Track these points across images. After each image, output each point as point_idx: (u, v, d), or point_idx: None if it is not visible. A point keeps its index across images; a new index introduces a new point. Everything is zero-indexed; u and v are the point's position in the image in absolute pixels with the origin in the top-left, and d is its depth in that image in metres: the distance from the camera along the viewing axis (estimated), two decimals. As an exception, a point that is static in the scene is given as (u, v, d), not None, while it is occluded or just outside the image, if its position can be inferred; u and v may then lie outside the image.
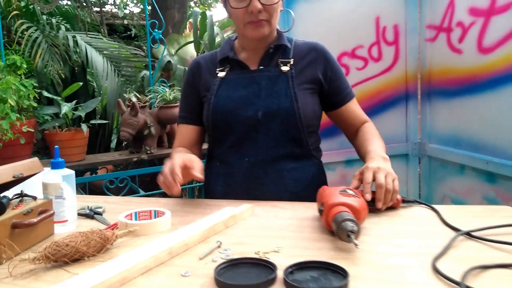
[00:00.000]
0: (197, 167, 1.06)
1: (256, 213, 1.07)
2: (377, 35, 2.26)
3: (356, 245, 0.76)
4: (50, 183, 0.97)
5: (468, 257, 0.75)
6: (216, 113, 1.26)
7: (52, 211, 0.92)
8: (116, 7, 6.60)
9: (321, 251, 0.81)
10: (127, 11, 6.69)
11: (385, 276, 0.70)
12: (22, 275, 0.74)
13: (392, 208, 1.06)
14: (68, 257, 0.77)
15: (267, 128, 1.23)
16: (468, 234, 0.84)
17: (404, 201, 1.09)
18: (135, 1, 6.81)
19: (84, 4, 4.93)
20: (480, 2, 1.90)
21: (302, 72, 1.28)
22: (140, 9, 6.67)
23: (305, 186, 1.26)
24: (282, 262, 0.74)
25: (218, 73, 1.30)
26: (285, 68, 1.26)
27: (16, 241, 0.81)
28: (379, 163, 1.08)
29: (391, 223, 0.97)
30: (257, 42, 1.28)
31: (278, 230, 0.94)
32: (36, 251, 0.76)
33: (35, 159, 0.95)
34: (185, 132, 1.36)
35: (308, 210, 1.07)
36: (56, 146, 1.02)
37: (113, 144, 3.31)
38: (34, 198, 0.94)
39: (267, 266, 0.72)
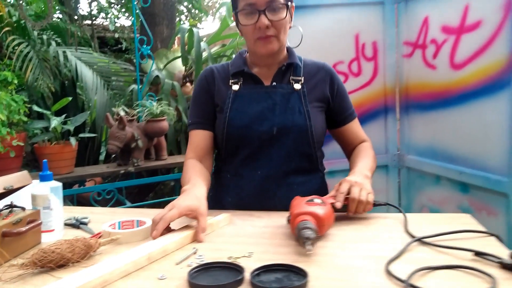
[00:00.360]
0: (201, 225, 1.02)
1: (234, 222, 1.14)
2: (357, 51, 2.36)
3: (309, 250, 0.83)
4: (38, 195, 1.03)
5: (419, 260, 0.83)
6: (231, 127, 1.29)
7: (40, 221, 0.98)
8: (107, 20, 6.68)
9: (287, 255, 0.88)
10: (118, 25, 6.77)
11: (341, 276, 0.78)
12: (12, 280, 0.80)
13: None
14: (54, 263, 0.84)
15: (281, 143, 1.28)
16: (421, 240, 0.92)
17: (375, 204, 1.14)
18: (126, 14, 6.90)
19: (75, 18, 5.00)
20: (452, 20, 2.01)
21: (312, 90, 1.33)
22: (131, 22, 6.76)
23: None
24: (251, 266, 0.81)
25: (232, 85, 1.33)
26: (297, 86, 1.32)
27: (5, 249, 0.88)
28: (358, 178, 1.17)
29: (357, 229, 1.04)
30: (268, 58, 1.32)
31: (251, 237, 1.02)
32: (24, 258, 0.83)
33: (25, 172, 1.02)
34: (198, 138, 1.34)
35: (282, 218, 1.14)
36: (44, 160, 1.08)
37: (102, 157, 3.37)
38: (23, 208, 1.00)
39: (236, 269, 0.80)
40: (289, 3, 1.27)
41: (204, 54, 3.12)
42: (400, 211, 1.13)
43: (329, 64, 1.42)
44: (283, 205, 1.23)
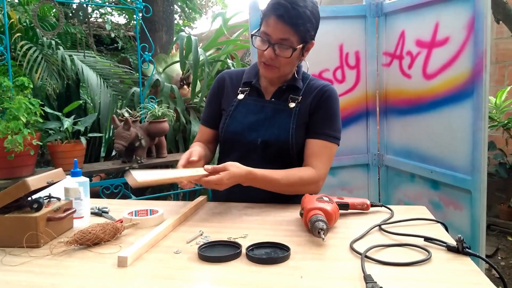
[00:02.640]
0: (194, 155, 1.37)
1: (231, 212, 1.37)
2: (341, 60, 2.58)
3: (323, 239, 1.00)
4: (71, 188, 1.25)
5: (377, 241, 1.07)
6: (227, 133, 1.50)
7: (74, 209, 1.21)
8: (103, 18, 6.81)
9: (274, 237, 1.11)
10: (113, 20, 6.87)
11: (316, 251, 1.01)
12: (59, 254, 1.02)
13: (363, 211, 1.32)
14: (90, 241, 1.06)
15: (264, 152, 1.44)
16: (379, 226, 1.16)
17: (372, 205, 1.33)
18: (119, 12, 7.00)
19: (70, 14, 5.12)
20: (424, 35, 2.25)
21: (305, 110, 1.46)
22: (126, 20, 6.87)
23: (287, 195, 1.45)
24: (246, 243, 1.03)
25: (239, 93, 1.53)
26: (292, 104, 1.47)
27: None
28: (237, 170, 1.30)
29: (342, 220, 1.23)
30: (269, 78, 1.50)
31: (246, 223, 1.25)
32: (68, 237, 1.05)
33: (60, 169, 1.24)
34: (204, 133, 1.62)
35: (270, 209, 1.38)
36: (75, 160, 1.31)
37: (102, 153, 3.57)
38: (59, 199, 1.22)
39: (235, 246, 1.03)
40: (303, 45, 1.39)
41: (201, 58, 3.34)
42: (390, 210, 1.30)
43: (332, 87, 1.50)
44: (265, 196, 1.44)
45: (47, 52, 3.16)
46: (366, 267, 0.89)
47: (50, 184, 1.16)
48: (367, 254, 0.96)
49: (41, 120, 2.19)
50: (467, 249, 0.94)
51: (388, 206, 1.34)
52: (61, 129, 2.36)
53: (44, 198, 1.20)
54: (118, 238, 1.13)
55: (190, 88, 3.53)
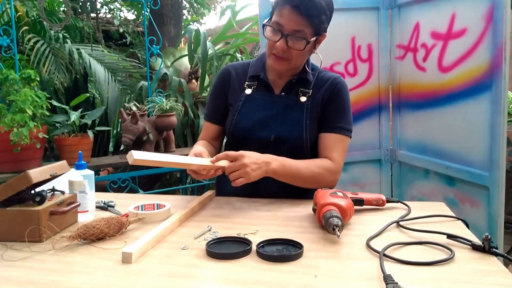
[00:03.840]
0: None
1: (240, 206, 1.32)
2: (353, 53, 2.52)
3: (338, 236, 0.94)
4: (75, 181, 1.21)
5: (395, 239, 1.01)
6: (236, 129, 1.44)
7: (79, 203, 1.16)
8: (111, 13, 6.80)
9: (286, 233, 1.06)
10: (121, 15, 6.86)
11: (330, 248, 0.96)
12: (61, 249, 0.98)
13: (378, 207, 1.26)
14: (94, 236, 1.02)
15: (277, 149, 1.37)
16: (397, 223, 1.10)
17: (388, 201, 1.27)
18: (128, 8, 6.99)
19: (80, 10, 5.12)
20: (440, 27, 2.17)
21: (317, 103, 1.42)
22: (135, 16, 6.86)
23: (300, 189, 1.40)
24: (257, 240, 0.99)
25: (246, 88, 1.47)
26: (303, 99, 1.41)
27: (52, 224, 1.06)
28: (258, 156, 1.25)
29: (356, 216, 1.17)
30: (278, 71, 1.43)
31: (256, 218, 1.20)
32: (71, 231, 1.01)
33: (64, 162, 1.20)
34: (208, 129, 1.55)
35: (282, 205, 1.33)
36: (79, 152, 1.26)
37: (110, 148, 3.54)
38: (63, 192, 1.18)
39: (245, 242, 0.98)
40: (316, 37, 1.34)
41: (210, 52, 3.29)
42: (407, 206, 1.25)
43: (342, 79, 1.46)
44: (274, 193, 1.40)
45: (54, 45, 3.13)
46: (385, 266, 0.84)
47: (53, 177, 1.12)
48: (385, 252, 0.90)
49: (47, 113, 2.16)
50: (494, 249, 0.88)
51: (405, 202, 1.29)
52: (68, 122, 2.33)
53: (48, 191, 1.16)
54: (123, 233, 1.08)
55: (198, 82, 3.49)
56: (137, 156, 1.08)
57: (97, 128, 2.58)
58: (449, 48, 2.14)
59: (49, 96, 2.26)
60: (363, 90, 2.54)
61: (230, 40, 3.84)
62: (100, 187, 2.82)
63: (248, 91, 1.47)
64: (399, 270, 0.84)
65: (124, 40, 6.64)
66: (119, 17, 6.54)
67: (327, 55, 2.55)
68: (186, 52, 3.45)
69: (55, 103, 2.37)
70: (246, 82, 1.49)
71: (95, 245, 1.01)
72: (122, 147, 3.27)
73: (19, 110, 1.92)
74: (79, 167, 1.24)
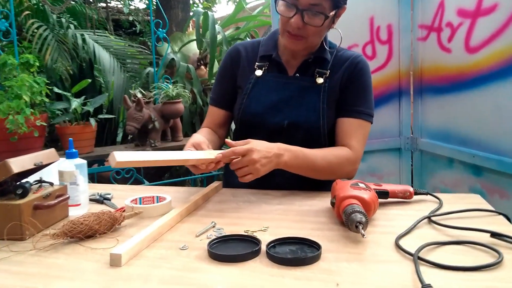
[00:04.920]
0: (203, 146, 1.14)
1: (249, 199, 1.19)
2: (371, 35, 2.36)
3: (363, 235, 0.80)
4: (65, 171, 1.09)
5: (429, 237, 0.87)
6: (245, 114, 1.31)
7: (68, 196, 1.04)
8: (122, 2, 6.70)
9: (301, 230, 0.93)
10: (132, 7, 6.78)
11: (352, 249, 0.82)
12: (44, 248, 0.86)
13: (405, 200, 1.12)
14: (82, 233, 0.90)
15: (291, 137, 1.25)
16: (429, 218, 0.96)
17: (416, 193, 1.13)
18: (140, -3, 6.90)
19: (90, 0, 5.04)
20: (467, 4, 2.00)
21: (335, 85, 1.28)
22: (146, 5, 6.76)
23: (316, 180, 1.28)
24: (267, 239, 0.85)
25: (256, 69, 1.33)
26: (319, 80, 1.28)
27: (36, 221, 0.94)
28: (268, 147, 1.11)
29: (380, 210, 1.03)
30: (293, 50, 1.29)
31: (266, 213, 1.06)
32: (56, 228, 0.89)
33: (52, 149, 1.07)
34: (214, 114, 1.41)
35: (295, 197, 1.19)
36: (70, 139, 1.14)
37: (119, 138, 3.44)
38: (51, 184, 1.06)
39: (253, 241, 0.84)
40: (336, 11, 1.20)
41: (219, 37, 3.14)
42: (438, 199, 1.11)
43: (363, 58, 1.32)
44: (286, 185, 1.26)
45: (58, 31, 3.02)
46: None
47: (38, 167, 1.00)
48: (419, 254, 0.76)
49: (47, 100, 2.05)
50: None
51: (435, 194, 1.14)
52: (69, 110, 2.21)
53: (34, 183, 1.04)
54: (116, 230, 0.96)
55: (207, 69, 3.35)
56: (120, 157, 0.92)
57: (100, 116, 2.46)
58: (477, 26, 1.96)
59: (49, 82, 2.14)
60: (382, 74, 2.38)
61: (240, 24, 3.68)
62: (104, 178, 2.73)
63: (259, 72, 1.33)
64: (437, 276, 0.70)
65: (134, 28, 6.55)
66: (128, 6, 6.43)
67: (344, 36, 2.39)
68: (194, 37, 3.31)
69: (56, 90, 2.26)
70: (257, 63, 1.34)
71: (83, 244, 0.89)
72: (130, 136, 3.16)
73: (15, 97, 1.81)
74: (70, 155, 1.12)
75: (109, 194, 1.26)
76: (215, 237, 0.88)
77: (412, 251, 0.78)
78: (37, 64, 2.09)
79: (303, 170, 1.20)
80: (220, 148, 1.39)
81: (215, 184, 1.30)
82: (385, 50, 2.38)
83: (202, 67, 3.49)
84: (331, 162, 1.21)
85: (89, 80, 2.47)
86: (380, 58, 2.38)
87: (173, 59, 3.04)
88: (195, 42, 3.31)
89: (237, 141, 1.13)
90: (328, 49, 1.31)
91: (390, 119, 2.43)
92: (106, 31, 3.95)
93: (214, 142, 1.32)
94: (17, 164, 0.93)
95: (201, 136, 1.21)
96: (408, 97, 2.43)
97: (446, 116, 2.21)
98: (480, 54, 1.96)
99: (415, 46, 2.38)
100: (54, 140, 2.81)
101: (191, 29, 3.80)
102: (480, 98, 1.98)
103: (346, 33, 2.37)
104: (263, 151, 1.10)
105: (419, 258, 0.74)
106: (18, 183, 0.97)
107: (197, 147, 1.14)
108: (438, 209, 1.04)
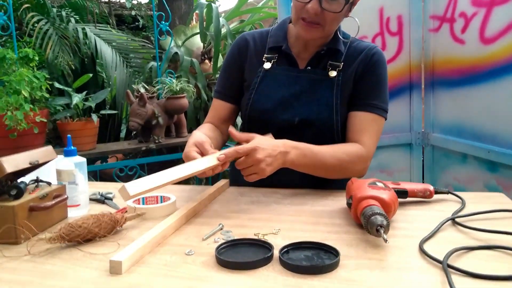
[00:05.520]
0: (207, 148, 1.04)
1: (258, 199, 1.12)
2: (381, 26, 2.28)
3: (385, 240, 0.73)
4: (63, 170, 1.03)
5: (454, 241, 0.80)
6: (253, 110, 1.23)
7: (66, 196, 0.98)
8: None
9: (315, 233, 0.86)
10: (135, 2, 6.72)
11: (373, 255, 0.75)
12: (40, 253, 0.80)
13: (424, 199, 1.05)
14: (81, 237, 0.83)
15: (302, 134, 1.17)
16: (453, 220, 0.89)
17: (437, 192, 1.06)
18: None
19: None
20: (483, -8, 1.92)
21: (349, 78, 1.21)
22: (148, 0, 6.70)
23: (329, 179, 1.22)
24: (279, 243, 0.79)
25: (264, 61, 1.25)
26: (332, 73, 1.20)
27: (33, 223, 0.87)
28: (274, 144, 1.04)
29: (398, 211, 0.96)
30: (307, 40, 1.21)
31: (277, 214, 1.00)
32: (52, 232, 0.82)
33: (49, 147, 1.01)
34: (218, 108, 1.32)
35: (306, 196, 1.12)
36: (68, 135, 1.08)
37: (122, 134, 3.38)
38: (49, 183, 1.00)
39: (265, 246, 0.78)
40: None
41: (223, 30, 3.07)
42: (460, 198, 1.04)
43: (379, 49, 1.24)
44: (297, 183, 1.20)
45: (59, 25, 2.95)
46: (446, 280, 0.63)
47: (34, 166, 0.94)
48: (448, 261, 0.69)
49: (47, 96, 1.98)
50: None
51: (457, 193, 1.07)
52: (71, 105, 2.15)
53: (30, 182, 0.98)
54: (117, 233, 0.90)
55: (211, 63, 3.27)
56: (133, 190, 0.82)
57: (102, 112, 2.40)
58: (493, 16, 1.88)
59: (50, 77, 2.08)
60: (392, 67, 2.31)
61: (245, 17, 3.61)
62: (108, 175, 2.67)
63: (267, 65, 1.25)
64: (469, 286, 0.63)
65: (137, 23, 6.49)
66: (131, 0, 6.36)
67: (352, 28, 2.34)
68: (198, 30, 3.23)
69: (57, 85, 2.19)
70: (265, 55, 1.27)
71: (82, 248, 0.82)
72: (133, 133, 3.10)
73: (14, 92, 1.75)
74: (68, 153, 1.05)
75: (111, 193, 1.20)
76: (223, 241, 0.81)
77: (438, 256, 0.71)
78: (37, 58, 2.02)
79: (311, 169, 1.13)
80: (223, 145, 1.33)
81: (222, 182, 1.24)
82: (395, 42, 2.31)
83: (206, 61, 3.42)
84: (341, 160, 1.13)
85: (90, 75, 2.41)
86: (390, 50, 2.30)
87: (176, 53, 2.97)
88: (198, 35, 3.24)
89: (240, 133, 1.06)
90: (341, 39, 1.23)
91: (401, 113, 2.36)
92: (108, 25, 3.87)
93: (216, 139, 1.24)
94: (11, 163, 0.86)
95: (202, 134, 1.10)
96: (419, 91, 2.35)
97: (459, 110, 2.13)
98: (495, 45, 1.88)
99: (427, 38, 2.30)
100: (59, 137, 2.75)
101: (194, 22, 3.72)
102: (496, 91, 1.90)
103: (354, 25, 2.30)
104: (268, 150, 1.02)
105: (449, 266, 0.67)
106: (12, 183, 0.91)
107: (200, 147, 1.04)
108: (461, 209, 0.97)
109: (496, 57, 1.88)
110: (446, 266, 0.66)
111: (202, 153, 1.03)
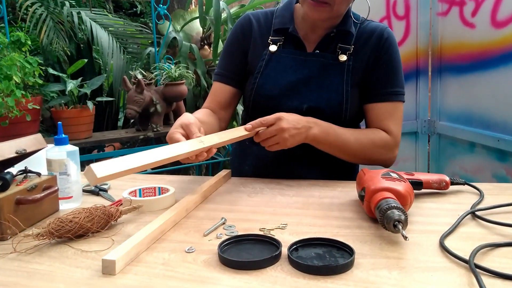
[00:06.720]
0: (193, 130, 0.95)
1: (262, 190, 1.06)
2: (387, 10, 2.20)
3: (405, 237, 0.67)
4: (54, 159, 0.96)
5: (476, 236, 0.74)
6: (258, 96, 1.16)
7: (57, 187, 0.91)
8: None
9: (326, 228, 0.80)
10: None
11: (391, 253, 0.69)
12: (27, 251, 0.74)
13: (439, 191, 1.00)
14: (72, 233, 0.77)
15: None
16: (473, 213, 0.83)
17: (452, 183, 1.00)
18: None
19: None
20: (495, -27, 1.83)
21: (360, 64, 1.14)
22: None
23: (337, 169, 1.18)
24: (287, 239, 0.73)
25: (270, 43, 1.18)
26: (342, 57, 1.13)
27: (20, 217, 0.81)
28: (300, 120, 1.04)
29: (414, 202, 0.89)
30: (315, 21, 1.14)
31: (283, 207, 0.93)
32: (40, 227, 0.76)
33: (38, 135, 0.94)
34: (219, 91, 1.24)
35: (313, 187, 1.06)
36: (59, 122, 1.00)
37: (120, 122, 3.30)
38: (39, 174, 0.93)
39: (272, 243, 0.71)
40: None
41: (223, 15, 2.97)
42: (478, 190, 0.98)
43: (390, 30, 1.17)
44: (303, 175, 1.15)
45: (54, 9, 2.86)
46: (474, 281, 0.57)
47: (21, 155, 0.87)
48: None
49: (40, 82, 1.90)
50: None
51: (474, 184, 1.00)
52: (65, 92, 2.07)
53: (18, 173, 0.91)
54: (112, 227, 0.84)
55: (211, 48, 3.19)
56: (100, 172, 0.71)
57: (98, 99, 2.32)
58: (506, -2, 1.81)
59: (43, 63, 2.00)
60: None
61: (245, 2, 3.50)
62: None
63: (273, 47, 1.17)
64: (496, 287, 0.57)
65: (134, 9, 6.37)
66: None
67: (358, 12, 2.25)
68: (197, 15, 3.14)
69: (51, 71, 2.12)
70: (270, 37, 1.19)
71: (73, 245, 0.76)
72: (131, 121, 3.02)
73: (4, 77, 1.67)
74: (59, 141, 0.98)
75: (106, 184, 1.13)
76: (227, 237, 0.75)
77: (461, 253, 0.65)
78: (29, 42, 1.94)
79: (332, 148, 1.09)
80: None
81: (224, 172, 1.17)
82: (402, 26, 2.23)
83: (206, 47, 3.33)
84: (365, 145, 1.10)
85: (85, 60, 2.32)
86: (396, 35, 2.17)
87: (175, 38, 2.88)
88: (198, 20, 3.14)
89: (262, 118, 1.03)
90: (352, 20, 1.16)
91: (407, 100, 2.21)
92: (104, 10, 3.76)
93: (211, 125, 1.16)
94: (-5, 152, 0.80)
95: (192, 116, 1.01)
96: (426, 77, 2.28)
97: (468, 97, 2.07)
98: (508, 29, 1.81)
99: (435, 22, 2.22)
100: (56, 125, 2.68)
101: (193, 6, 3.62)
102: (507, 78, 1.83)
103: (360, 8, 2.22)
104: (292, 121, 1.03)
105: (476, 266, 0.61)
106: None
107: (186, 128, 0.95)
108: (479, 201, 0.91)
109: (508, 41, 1.81)
110: (473, 267, 0.60)
111: (188, 136, 0.94)
